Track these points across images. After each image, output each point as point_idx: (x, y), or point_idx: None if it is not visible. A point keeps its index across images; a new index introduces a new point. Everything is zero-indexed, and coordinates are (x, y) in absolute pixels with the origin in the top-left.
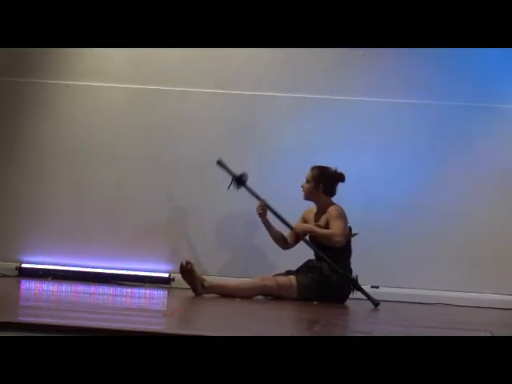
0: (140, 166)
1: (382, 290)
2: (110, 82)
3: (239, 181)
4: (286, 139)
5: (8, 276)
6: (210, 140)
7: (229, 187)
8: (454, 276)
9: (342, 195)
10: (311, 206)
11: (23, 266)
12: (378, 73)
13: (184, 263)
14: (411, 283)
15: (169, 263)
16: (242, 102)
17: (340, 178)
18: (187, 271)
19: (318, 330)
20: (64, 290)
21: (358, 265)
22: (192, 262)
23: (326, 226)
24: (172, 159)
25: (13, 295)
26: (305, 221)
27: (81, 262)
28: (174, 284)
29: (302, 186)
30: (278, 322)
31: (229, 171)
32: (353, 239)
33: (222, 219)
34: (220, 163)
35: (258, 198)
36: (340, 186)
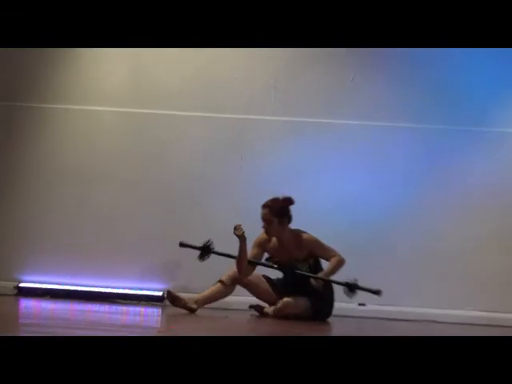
0: (135, 188)
1: (368, 307)
2: (106, 106)
3: (207, 250)
4: (275, 162)
5: (7, 295)
6: (203, 161)
7: (201, 259)
8: (438, 294)
9: (328, 216)
10: (263, 234)
11: (21, 285)
12: (364, 97)
13: (166, 295)
14: (397, 301)
15: (162, 282)
16: (233, 126)
17: (290, 202)
18: (173, 299)
19: None
20: (61, 307)
21: (343, 277)
22: (172, 290)
23: (309, 257)
24: (167, 180)
25: (12, 313)
26: (265, 250)
27: (77, 281)
28: (167, 302)
29: (264, 229)
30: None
31: (193, 247)
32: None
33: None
34: (182, 244)
35: (229, 256)
36: (326, 207)
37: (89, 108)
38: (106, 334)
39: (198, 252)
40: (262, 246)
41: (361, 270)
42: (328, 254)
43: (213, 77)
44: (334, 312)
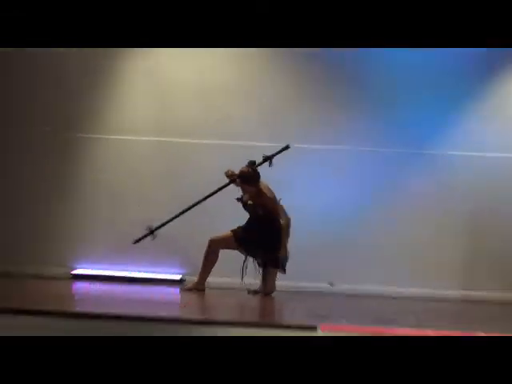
0: (162, 198)
1: (337, 286)
2: (136, 136)
3: (152, 230)
4: (271, 178)
5: (64, 279)
6: (217, 179)
7: (153, 239)
8: (390, 275)
9: (310, 217)
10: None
11: (75, 271)
12: (335, 126)
13: (182, 289)
14: (359, 281)
15: (181, 268)
16: (236, 150)
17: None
18: (186, 290)
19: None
20: (106, 288)
21: (318, 265)
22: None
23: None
24: (187, 194)
25: (67, 293)
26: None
27: (117, 267)
28: (186, 283)
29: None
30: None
31: (143, 236)
32: (314, 244)
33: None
34: (136, 241)
35: (174, 218)
36: (308, 208)
37: (125, 138)
38: (142, 309)
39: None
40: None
41: (332, 257)
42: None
43: (222, 112)
44: (307, 289)
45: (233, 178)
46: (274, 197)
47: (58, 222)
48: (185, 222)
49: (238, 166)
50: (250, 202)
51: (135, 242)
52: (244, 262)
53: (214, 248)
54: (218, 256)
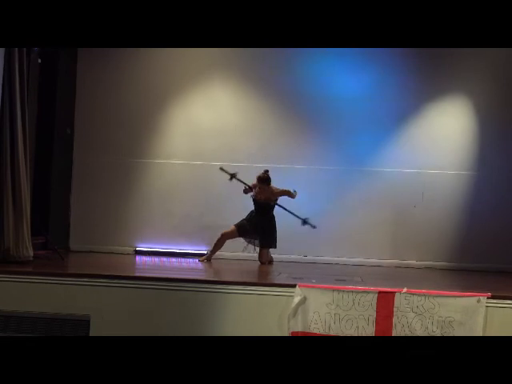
0: (194, 201)
1: (309, 257)
2: (176, 160)
3: (234, 175)
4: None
5: (128, 254)
6: (228, 190)
7: (230, 180)
8: (344, 249)
9: (302, 206)
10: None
11: (137, 248)
12: (299, 149)
13: (200, 260)
14: (323, 253)
15: (206, 245)
16: (244, 170)
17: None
18: (201, 261)
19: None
20: (157, 260)
21: (296, 239)
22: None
23: (275, 198)
24: (208, 198)
25: (131, 263)
26: (257, 191)
27: (165, 246)
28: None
29: (258, 190)
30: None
31: (227, 172)
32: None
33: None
34: (221, 169)
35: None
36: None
37: (164, 161)
38: (181, 274)
39: None
40: (255, 186)
41: (306, 237)
42: (279, 193)
43: (229, 145)
44: (288, 259)
45: (265, 177)
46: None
47: (125, 215)
48: (209, 215)
49: (240, 177)
50: (259, 196)
51: (220, 169)
52: (249, 242)
53: (224, 239)
54: (224, 243)
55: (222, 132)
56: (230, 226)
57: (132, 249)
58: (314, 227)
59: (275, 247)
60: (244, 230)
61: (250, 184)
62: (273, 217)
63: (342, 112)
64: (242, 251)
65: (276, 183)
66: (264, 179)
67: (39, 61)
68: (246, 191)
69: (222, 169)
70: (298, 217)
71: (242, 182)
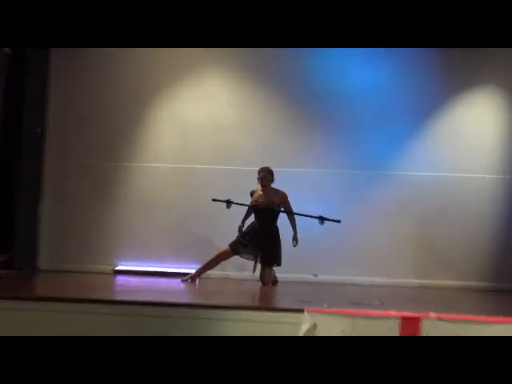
0: (183, 211)
1: (320, 277)
2: (162, 163)
3: (229, 201)
4: None
5: (107, 274)
6: (221, 195)
7: (228, 207)
8: (361, 267)
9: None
10: (255, 188)
11: (116, 268)
12: (312, 152)
13: (183, 280)
14: (336, 272)
15: (198, 263)
16: (238, 174)
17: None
18: (186, 280)
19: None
20: (140, 281)
21: (307, 261)
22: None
23: (279, 204)
24: (200, 208)
25: (109, 284)
26: (254, 195)
27: (149, 264)
28: (202, 276)
29: (263, 184)
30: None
31: (221, 200)
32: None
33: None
34: (214, 199)
35: (245, 205)
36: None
37: (154, 165)
38: (167, 297)
39: None
40: (252, 194)
41: (317, 253)
42: (290, 208)
43: (226, 144)
44: (296, 279)
45: (268, 169)
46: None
47: (103, 228)
48: (200, 227)
49: (239, 187)
50: (259, 200)
51: (213, 200)
52: (248, 259)
53: (218, 261)
54: (216, 266)
55: (216, 131)
56: (225, 245)
57: (111, 267)
58: (339, 221)
59: (279, 265)
60: (241, 246)
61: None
62: (277, 229)
63: (355, 108)
64: (240, 271)
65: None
66: (267, 170)
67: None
68: (228, 206)
69: (214, 199)
70: (311, 216)
71: (240, 204)
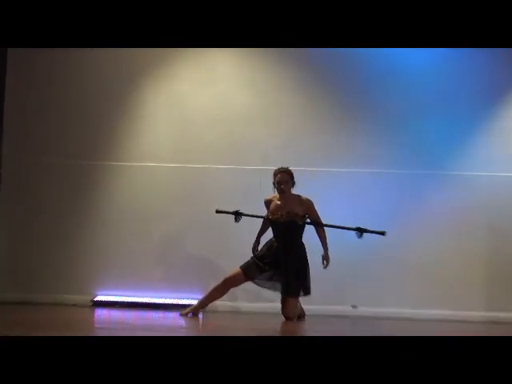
0: (183, 222)
1: (360, 308)
2: (156, 162)
3: (238, 213)
4: None
5: (85, 306)
6: (231, 202)
7: (236, 221)
8: (415, 296)
9: (336, 241)
10: (268, 196)
11: (96, 298)
12: (351, 150)
13: (181, 314)
14: (383, 303)
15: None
16: (252, 175)
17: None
18: (186, 314)
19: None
20: (127, 315)
21: (344, 289)
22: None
23: (304, 214)
24: (204, 217)
25: (86, 319)
26: (270, 206)
27: (138, 294)
28: (206, 308)
29: (281, 189)
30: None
31: (227, 212)
32: (345, 274)
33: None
34: (218, 211)
35: (257, 217)
36: (333, 235)
37: (144, 164)
38: (160, 334)
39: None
40: (269, 204)
41: (356, 279)
42: (318, 218)
43: (236, 137)
44: (331, 313)
45: (287, 170)
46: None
47: (78, 247)
48: (203, 243)
49: (251, 190)
50: (278, 212)
51: (217, 212)
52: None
53: (227, 287)
54: (224, 294)
55: (223, 120)
56: (234, 266)
57: (89, 298)
58: (383, 234)
59: (308, 293)
60: (257, 270)
61: (265, 214)
62: (303, 246)
63: (408, 93)
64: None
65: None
66: (286, 172)
67: None
68: (236, 219)
69: (218, 211)
70: (347, 228)
71: (252, 216)
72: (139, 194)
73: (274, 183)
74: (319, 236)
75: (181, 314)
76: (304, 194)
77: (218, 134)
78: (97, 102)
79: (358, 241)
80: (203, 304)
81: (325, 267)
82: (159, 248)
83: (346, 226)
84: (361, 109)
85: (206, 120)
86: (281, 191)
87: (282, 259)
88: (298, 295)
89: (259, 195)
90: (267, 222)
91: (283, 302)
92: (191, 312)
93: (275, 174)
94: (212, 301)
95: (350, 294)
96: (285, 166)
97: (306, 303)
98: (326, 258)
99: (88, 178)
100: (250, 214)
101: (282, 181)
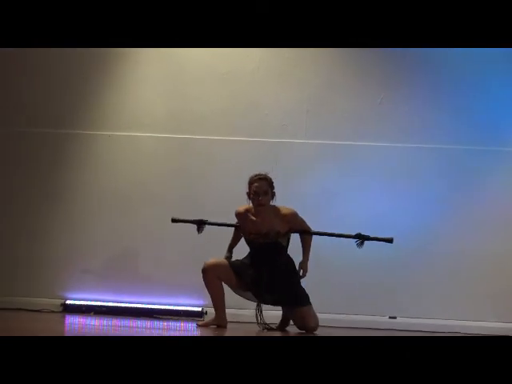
0: (174, 207)
1: (398, 319)
2: (147, 132)
3: (200, 222)
4: (307, 184)
5: (54, 312)
6: (238, 183)
7: (199, 231)
8: (462, 306)
9: (357, 227)
10: (240, 208)
11: (67, 302)
12: (392, 120)
13: (198, 324)
14: (425, 314)
15: (202, 298)
16: (267, 149)
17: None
18: (202, 326)
19: None
20: (105, 324)
21: (378, 297)
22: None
23: (288, 231)
24: (203, 200)
25: (58, 329)
26: (244, 223)
27: (120, 298)
28: (206, 317)
29: (260, 201)
30: None
31: (187, 221)
32: (373, 275)
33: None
34: (174, 220)
35: (225, 225)
36: (359, 224)
37: (131, 134)
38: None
39: None
40: (240, 218)
41: (381, 284)
42: (304, 226)
43: (247, 102)
44: (367, 325)
45: (266, 176)
46: None
47: (45, 241)
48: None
49: (264, 167)
50: (254, 228)
51: (173, 221)
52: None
53: (210, 276)
54: (221, 287)
55: (231, 82)
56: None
57: (60, 302)
58: (390, 241)
59: (308, 303)
60: (241, 269)
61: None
62: (290, 260)
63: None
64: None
65: (337, 175)
66: (264, 179)
67: None
68: (199, 229)
69: (175, 220)
70: (344, 236)
71: (220, 224)
72: (121, 171)
73: (248, 193)
74: (303, 242)
75: (199, 325)
76: (281, 204)
77: (222, 98)
78: (70, 59)
79: (393, 233)
80: (221, 310)
81: (301, 277)
82: (145, 241)
83: (358, 225)
84: (401, 68)
85: (207, 79)
86: (258, 204)
87: (269, 279)
88: (307, 302)
89: (274, 174)
90: (239, 230)
91: (294, 313)
92: (213, 324)
93: (251, 183)
94: (222, 302)
95: (387, 303)
96: (278, 162)
97: (336, 311)
98: (303, 266)
99: (58, 151)
100: (218, 222)
101: (259, 191)
